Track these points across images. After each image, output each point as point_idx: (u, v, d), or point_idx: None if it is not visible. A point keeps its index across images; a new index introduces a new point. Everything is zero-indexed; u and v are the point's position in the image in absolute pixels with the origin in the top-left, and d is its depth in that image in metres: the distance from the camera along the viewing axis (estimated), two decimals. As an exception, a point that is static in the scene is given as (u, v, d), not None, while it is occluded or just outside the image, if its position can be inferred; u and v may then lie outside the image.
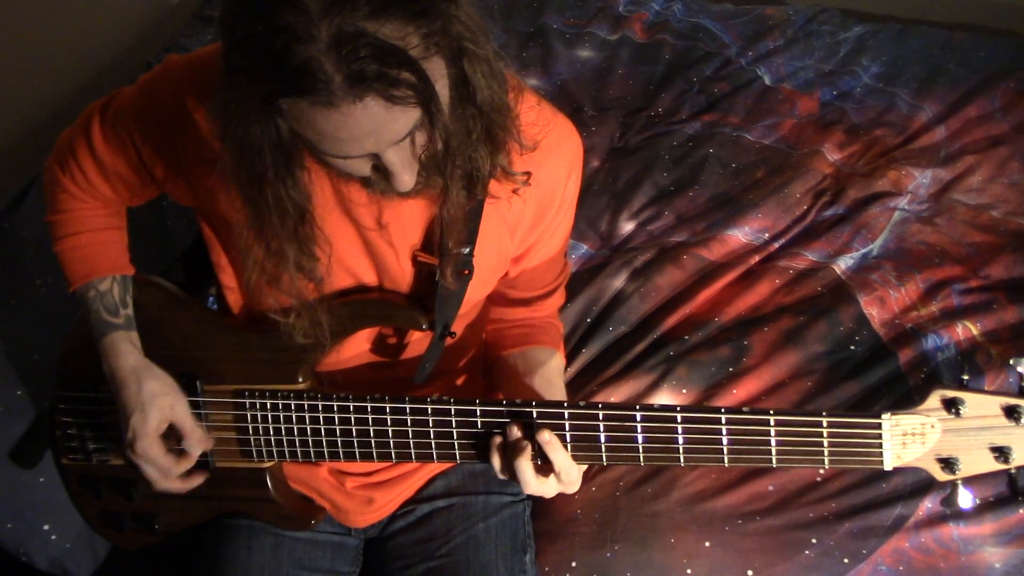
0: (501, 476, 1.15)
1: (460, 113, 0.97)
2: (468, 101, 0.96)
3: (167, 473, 1.24)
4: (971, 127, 2.14)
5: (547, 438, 1.11)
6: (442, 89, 0.91)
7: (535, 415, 1.14)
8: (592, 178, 2.05)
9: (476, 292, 1.22)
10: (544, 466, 1.13)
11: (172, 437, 1.24)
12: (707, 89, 2.32)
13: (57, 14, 2.39)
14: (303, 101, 0.86)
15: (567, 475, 1.13)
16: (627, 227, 1.96)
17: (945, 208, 1.96)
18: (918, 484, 1.45)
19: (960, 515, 1.42)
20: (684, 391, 1.62)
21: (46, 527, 1.47)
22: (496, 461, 1.14)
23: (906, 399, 1.58)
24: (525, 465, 1.12)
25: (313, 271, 1.09)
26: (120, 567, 1.52)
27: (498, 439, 1.14)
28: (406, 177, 0.96)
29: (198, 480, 1.28)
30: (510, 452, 1.13)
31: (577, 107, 2.28)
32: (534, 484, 1.13)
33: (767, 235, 1.92)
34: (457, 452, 1.19)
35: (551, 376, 1.30)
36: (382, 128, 0.89)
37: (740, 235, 1.90)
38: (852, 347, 1.68)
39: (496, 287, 1.29)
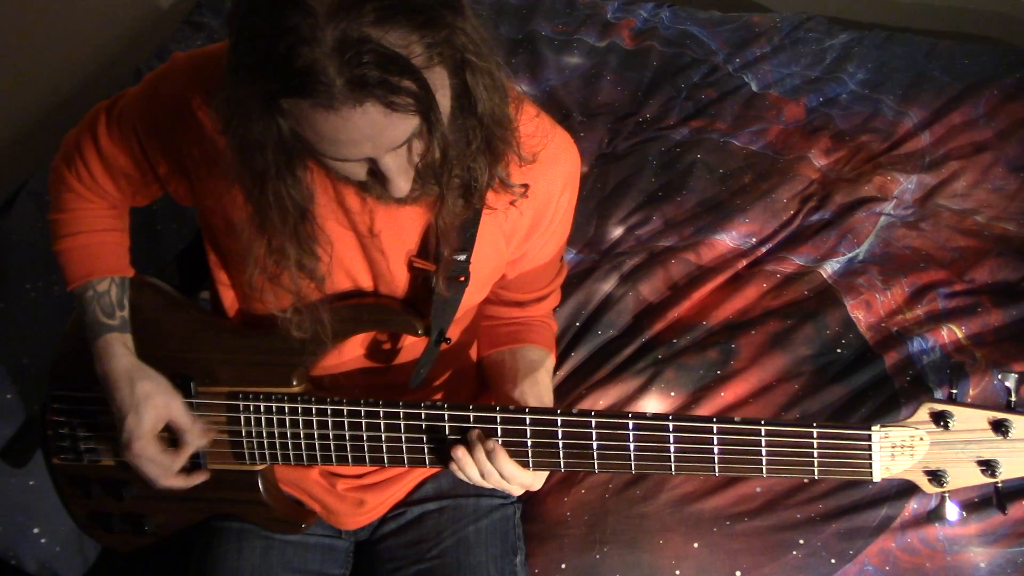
0: (482, 483, 1.18)
1: (460, 123, 0.97)
2: (469, 112, 0.97)
3: (166, 470, 1.24)
4: (956, 133, 2.16)
5: (491, 447, 1.15)
6: (443, 99, 0.92)
7: (528, 421, 1.15)
8: (581, 184, 2.05)
9: (471, 298, 1.23)
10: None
11: (167, 434, 1.25)
12: (695, 95, 2.33)
13: (45, 19, 2.38)
14: (304, 102, 0.87)
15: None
16: (615, 232, 1.97)
17: (930, 213, 1.98)
18: (904, 485, 1.46)
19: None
20: (672, 394, 1.63)
21: (36, 530, 1.46)
22: (471, 470, 1.16)
23: (892, 402, 1.59)
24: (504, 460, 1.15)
25: (314, 270, 1.09)
26: (110, 570, 1.51)
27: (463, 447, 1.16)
28: (402, 183, 0.97)
29: (200, 478, 1.28)
30: (491, 456, 1.15)
31: (566, 113, 2.29)
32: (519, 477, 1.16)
33: (754, 240, 1.93)
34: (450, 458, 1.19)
35: (539, 375, 1.31)
36: (380, 134, 0.89)
37: (728, 240, 1.92)
38: (838, 350, 1.69)
39: (491, 289, 1.30)
